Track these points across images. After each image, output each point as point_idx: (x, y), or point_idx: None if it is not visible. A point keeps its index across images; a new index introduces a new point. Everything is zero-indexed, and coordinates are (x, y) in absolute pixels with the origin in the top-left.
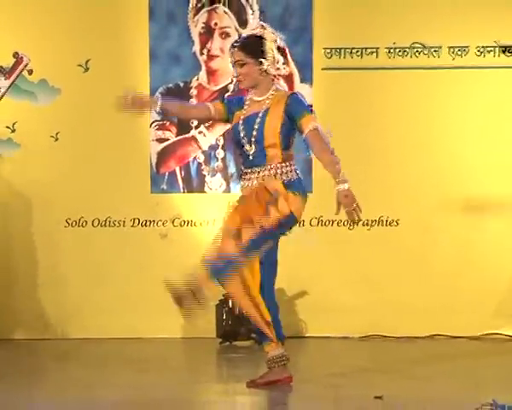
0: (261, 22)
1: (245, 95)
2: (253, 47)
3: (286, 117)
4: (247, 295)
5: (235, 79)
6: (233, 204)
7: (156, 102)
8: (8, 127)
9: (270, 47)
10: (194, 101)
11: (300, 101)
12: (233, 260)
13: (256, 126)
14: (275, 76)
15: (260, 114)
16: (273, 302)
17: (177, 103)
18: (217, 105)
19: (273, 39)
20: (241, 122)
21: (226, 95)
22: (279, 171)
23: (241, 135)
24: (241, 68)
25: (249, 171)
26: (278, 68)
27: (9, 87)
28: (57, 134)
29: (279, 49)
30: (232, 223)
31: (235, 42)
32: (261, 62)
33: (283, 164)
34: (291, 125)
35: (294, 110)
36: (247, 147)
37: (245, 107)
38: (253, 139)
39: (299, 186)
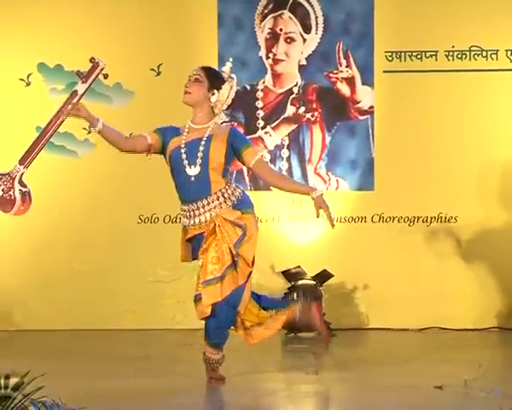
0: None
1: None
2: (213, 77)
3: (229, 146)
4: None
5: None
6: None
7: (97, 124)
8: (84, 128)
9: (226, 89)
10: (260, 103)
11: (241, 134)
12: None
13: (201, 149)
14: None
15: (204, 138)
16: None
17: (116, 133)
18: (152, 134)
19: (231, 86)
20: (182, 145)
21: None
22: (226, 195)
23: (183, 157)
24: (194, 83)
25: (195, 207)
26: (226, 109)
27: (86, 91)
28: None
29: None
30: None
31: (202, 66)
32: (213, 93)
33: (225, 187)
34: (232, 154)
35: (237, 143)
36: (189, 169)
37: (184, 133)
38: (198, 161)
39: (247, 203)
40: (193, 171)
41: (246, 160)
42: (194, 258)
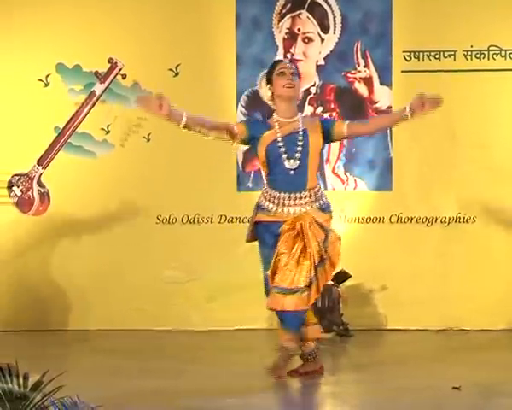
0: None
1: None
2: (298, 69)
3: (322, 137)
4: None
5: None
6: (282, 248)
7: (181, 119)
8: (103, 129)
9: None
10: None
11: (328, 118)
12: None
13: (300, 143)
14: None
15: (301, 132)
16: None
17: (200, 123)
18: (238, 126)
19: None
20: (279, 139)
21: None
22: (317, 196)
23: (282, 150)
24: (293, 76)
25: (286, 196)
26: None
27: (104, 91)
28: (149, 135)
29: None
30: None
31: (282, 59)
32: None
33: (317, 187)
34: (325, 144)
35: (328, 124)
36: (288, 163)
37: (276, 127)
38: (296, 155)
39: (330, 206)
40: (292, 164)
41: (338, 131)
42: (252, 240)
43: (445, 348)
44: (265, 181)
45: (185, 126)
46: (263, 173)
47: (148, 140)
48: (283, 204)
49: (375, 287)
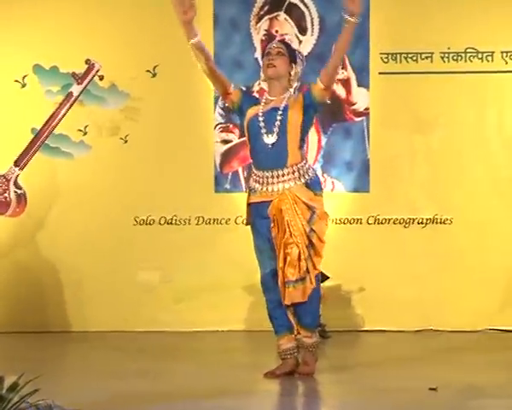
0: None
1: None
2: (293, 51)
3: (305, 109)
4: None
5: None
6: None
7: (194, 37)
8: (80, 130)
9: (300, 64)
10: None
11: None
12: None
13: (279, 118)
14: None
15: (281, 108)
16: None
17: (208, 55)
18: (235, 90)
19: (302, 61)
20: (260, 114)
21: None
22: (301, 171)
23: (261, 125)
24: (278, 57)
25: (269, 174)
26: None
27: (81, 92)
28: (126, 136)
29: None
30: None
31: (280, 39)
32: (292, 67)
33: (301, 163)
34: (309, 122)
35: (308, 92)
36: (266, 137)
37: (262, 104)
38: (275, 129)
39: (319, 184)
40: (270, 139)
41: (317, 90)
42: (247, 224)
43: (422, 349)
44: (251, 161)
45: (194, 45)
46: (249, 154)
47: (126, 141)
48: (267, 183)
49: (352, 288)
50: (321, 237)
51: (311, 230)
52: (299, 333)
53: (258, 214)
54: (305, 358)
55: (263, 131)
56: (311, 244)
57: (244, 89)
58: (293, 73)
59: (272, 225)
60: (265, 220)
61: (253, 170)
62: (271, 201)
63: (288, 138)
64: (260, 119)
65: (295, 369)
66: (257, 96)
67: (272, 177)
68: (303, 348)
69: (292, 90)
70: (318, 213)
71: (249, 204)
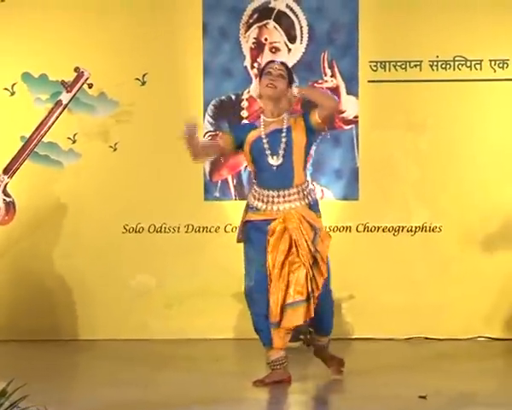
0: None
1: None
2: (290, 73)
3: (307, 132)
4: None
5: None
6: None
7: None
8: (69, 138)
9: (295, 87)
10: (245, 113)
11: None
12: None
13: (283, 139)
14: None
15: (284, 129)
16: None
17: (200, 147)
18: (224, 137)
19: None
20: (263, 136)
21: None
22: (305, 192)
23: (265, 147)
24: (278, 78)
25: (275, 194)
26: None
27: (71, 100)
28: (115, 144)
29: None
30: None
31: (277, 61)
32: (290, 87)
33: (305, 184)
34: (311, 143)
35: (307, 115)
36: (271, 159)
37: (261, 127)
38: (280, 151)
39: (318, 204)
40: (275, 161)
41: (314, 119)
42: (239, 241)
43: (412, 357)
44: (254, 180)
45: (200, 159)
46: (251, 174)
47: (115, 149)
48: (272, 202)
49: (342, 296)
50: (324, 258)
51: (316, 250)
52: (311, 337)
53: (255, 229)
54: (325, 356)
55: (267, 152)
56: (315, 264)
57: (230, 126)
58: (289, 94)
59: (274, 236)
60: (263, 235)
61: (256, 189)
62: (272, 219)
63: (293, 159)
64: (264, 140)
65: (285, 378)
66: (246, 121)
67: (278, 196)
68: (318, 348)
69: (289, 111)
70: (321, 234)
71: (247, 221)
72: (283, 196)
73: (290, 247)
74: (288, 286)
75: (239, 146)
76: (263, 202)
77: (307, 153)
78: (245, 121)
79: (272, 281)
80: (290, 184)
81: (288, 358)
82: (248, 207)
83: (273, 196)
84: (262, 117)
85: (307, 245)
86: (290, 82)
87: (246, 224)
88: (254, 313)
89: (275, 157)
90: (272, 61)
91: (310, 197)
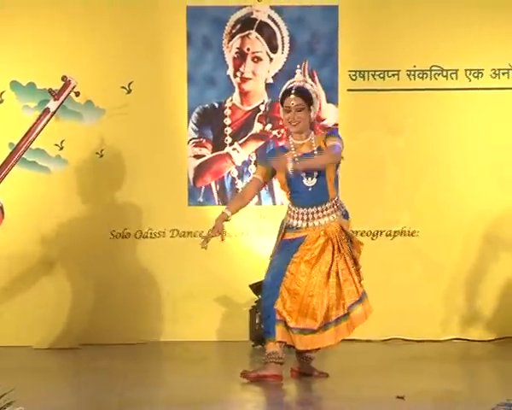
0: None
1: (276, 144)
2: (307, 97)
3: None
4: None
5: (287, 124)
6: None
7: (226, 217)
8: (56, 145)
9: (316, 101)
10: (228, 121)
11: (334, 131)
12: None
13: None
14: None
15: (316, 151)
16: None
17: (239, 204)
18: (261, 171)
19: (316, 94)
20: (296, 160)
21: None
22: (338, 204)
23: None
24: (299, 113)
25: (314, 210)
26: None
27: (58, 108)
28: (102, 151)
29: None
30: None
31: (291, 89)
32: (311, 109)
33: (337, 197)
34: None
35: (328, 138)
36: (306, 180)
37: (292, 149)
38: (314, 173)
39: (348, 213)
40: (310, 182)
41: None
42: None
43: (389, 358)
44: (289, 201)
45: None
46: (285, 194)
47: (101, 156)
48: (312, 218)
49: None
50: (358, 264)
51: (352, 257)
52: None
53: (288, 244)
54: (310, 369)
55: (303, 174)
56: (355, 266)
57: (265, 155)
58: (312, 114)
59: (317, 248)
60: (293, 247)
61: (292, 208)
62: (307, 234)
63: (327, 179)
64: (298, 163)
65: (276, 374)
66: (273, 146)
67: (317, 212)
68: (306, 361)
69: (313, 131)
70: (354, 241)
71: (282, 239)
72: (321, 211)
73: (333, 257)
74: (340, 297)
75: (274, 173)
76: (302, 220)
77: (337, 168)
78: (271, 146)
79: (315, 286)
80: (326, 200)
81: (285, 360)
82: (286, 227)
83: (312, 213)
84: (291, 139)
85: (349, 251)
86: (309, 105)
87: (282, 241)
88: (267, 304)
89: (309, 179)
90: (288, 93)
91: (342, 208)
